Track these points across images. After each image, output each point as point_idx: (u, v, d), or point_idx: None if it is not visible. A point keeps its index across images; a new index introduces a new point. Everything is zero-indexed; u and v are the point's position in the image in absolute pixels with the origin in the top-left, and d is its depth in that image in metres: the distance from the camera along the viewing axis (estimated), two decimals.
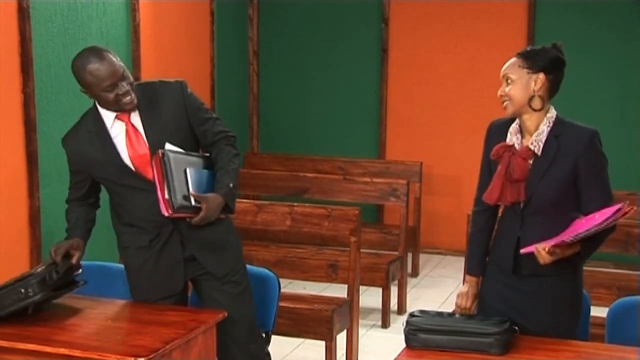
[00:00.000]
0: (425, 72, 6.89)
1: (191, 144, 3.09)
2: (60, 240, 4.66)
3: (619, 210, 2.61)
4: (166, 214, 2.94)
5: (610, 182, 2.79)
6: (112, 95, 2.93)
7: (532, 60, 2.76)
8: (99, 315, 2.90)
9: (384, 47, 6.96)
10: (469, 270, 3.00)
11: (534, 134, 2.79)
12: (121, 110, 3.00)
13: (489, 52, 6.63)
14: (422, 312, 2.82)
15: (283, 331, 4.04)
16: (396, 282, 5.44)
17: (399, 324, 5.21)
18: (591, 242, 2.70)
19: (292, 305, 4.19)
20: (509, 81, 2.78)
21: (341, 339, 4.34)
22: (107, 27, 5.09)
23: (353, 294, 4.38)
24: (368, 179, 5.72)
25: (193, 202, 2.96)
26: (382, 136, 7.03)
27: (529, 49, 2.83)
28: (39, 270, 2.93)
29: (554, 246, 2.63)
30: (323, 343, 4.22)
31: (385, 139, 7.03)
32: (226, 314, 2.97)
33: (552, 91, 2.81)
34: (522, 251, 2.74)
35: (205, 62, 6.41)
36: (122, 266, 3.32)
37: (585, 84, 6.46)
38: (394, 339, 4.81)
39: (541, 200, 2.77)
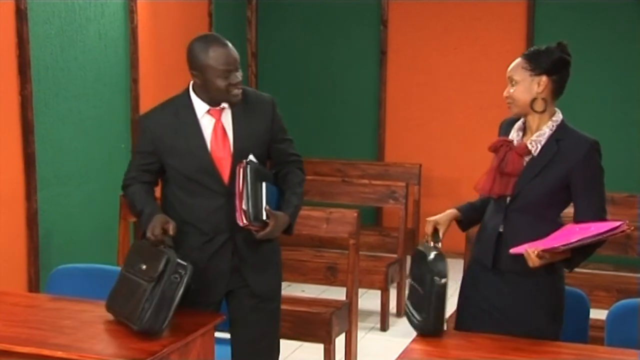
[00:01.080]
0: (424, 73, 6.90)
1: (264, 158, 3.10)
2: (57, 242, 4.68)
3: (617, 227, 2.60)
4: (240, 223, 2.91)
5: (604, 193, 2.80)
6: (224, 83, 2.90)
7: (535, 61, 2.77)
8: (97, 317, 2.90)
9: (382, 49, 6.97)
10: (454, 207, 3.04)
11: (534, 133, 2.82)
12: (226, 101, 2.96)
13: (488, 53, 6.64)
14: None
15: (281, 334, 4.00)
16: (395, 284, 5.44)
17: (397, 326, 5.22)
18: (582, 252, 2.70)
19: (290, 308, 4.18)
20: (513, 82, 2.80)
21: (340, 341, 4.34)
22: (104, 28, 5.10)
23: (352, 296, 4.38)
24: (366, 181, 5.72)
25: (264, 216, 2.96)
26: (380, 138, 7.03)
27: (532, 49, 2.83)
28: (159, 260, 2.74)
29: (545, 250, 2.62)
30: (321, 346, 4.22)
31: (384, 141, 7.04)
32: (224, 317, 2.97)
33: (556, 92, 2.82)
34: (512, 251, 2.73)
35: None
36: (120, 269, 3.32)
37: (585, 86, 6.46)
38: (393, 341, 4.82)
39: (527, 199, 2.79)
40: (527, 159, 2.81)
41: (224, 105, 2.99)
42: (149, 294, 2.69)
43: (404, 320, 4.88)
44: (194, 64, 2.96)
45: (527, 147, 2.80)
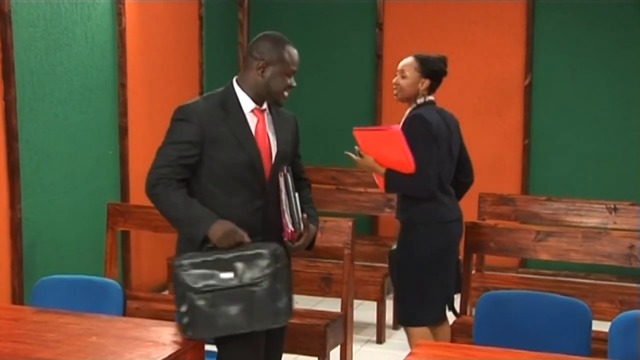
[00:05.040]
0: None
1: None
2: (42, 252, 4.67)
3: (390, 128, 3.77)
4: (287, 229, 2.98)
5: (425, 155, 3.70)
6: (285, 83, 3.00)
7: (424, 66, 3.82)
8: (83, 331, 2.89)
9: (377, 53, 6.98)
10: None
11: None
12: (275, 101, 3.03)
13: (487, 58, 6.65)
14: None
15: None
16: (391, 295, 5.43)
17: (394, 338, 5.21)
18: (391, 177, 3.75)
19: None
20: (404, 76, 3.82)
21: (334, 354, 4.33)
22: (91, 31, 5.10)
23: (347, 307, 4.37)
24: (362, 189, 5.72)
25: (302, 226, 3.02)
26: None
27: (423, 56, 3.88)
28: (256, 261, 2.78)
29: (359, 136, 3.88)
30: (316, 359, 4.21)
31: None
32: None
33: (431, 89, 3.86)
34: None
35: (193, 68, 6.42)
36: (108, 280, 3.32)
37: (585, 91, 6.48)
38: (389, 354, 4.81)
39: None
40: None
41: (265, 107, 3.04)
42: (270, 289, 2.75)
43: (400, 333, 4.88)
44: (269, 55, 2.96)
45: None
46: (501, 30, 6.64)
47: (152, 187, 2.90)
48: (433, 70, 3.83)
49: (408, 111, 3.88)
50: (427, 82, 3.82)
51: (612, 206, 5.09)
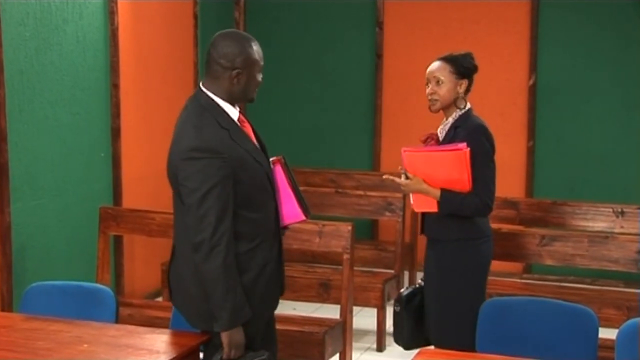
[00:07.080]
0: (422, 78, 6.81)
1: None
2: (32, 258, 4.65)
3: (460, 148, 3.39)
4: (304, 218, 3.05)
5: (488, 171, 3.53)
6: (258, 81, 2.98)
7: (458, 67, 3.62)
8: (74, 338, 2.89)
9: (378, 52, 6.98)
10: None
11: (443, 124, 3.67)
12: (250, 100, 3.02)
13: (489, 58, 6.64)
14: None
15: None
16: (392, 302, 5.42)
17: (394, 346, 5.19)
18: (448, 199, 3.47)
19: (281, 327, 4.14)
20: (439, 82, 3.61)
21: None
22: (83, 30, 5.09)
23: (346, 314, 4.37)
24: (361, 192, 5.72)
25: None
26: (376, 147, 7.04)
27: (452, 56, 3.68)
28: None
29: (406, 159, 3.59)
30: None
31: (380, 150, 7.04)
32: (209, 337, 2.96)
33: (468, 90, 3.64)
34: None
35: (188, 69, 6.41)
36: (100, 286, 3.31)
37: (591, 91, 6.48)
38: None
39: None
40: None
41: (237, 108, 2.99)
42: None
43: None
44: (239, 61, 2.89)
45: (437, 134, 3.66)
46: (504, 29, 6.64)
47: (209, 253, 2.73)
48: (467, 68, 3.61)
49: (450, 119, 3.62)
50: (465, 83, 3.59)
51: (619, 210, 5.08)
